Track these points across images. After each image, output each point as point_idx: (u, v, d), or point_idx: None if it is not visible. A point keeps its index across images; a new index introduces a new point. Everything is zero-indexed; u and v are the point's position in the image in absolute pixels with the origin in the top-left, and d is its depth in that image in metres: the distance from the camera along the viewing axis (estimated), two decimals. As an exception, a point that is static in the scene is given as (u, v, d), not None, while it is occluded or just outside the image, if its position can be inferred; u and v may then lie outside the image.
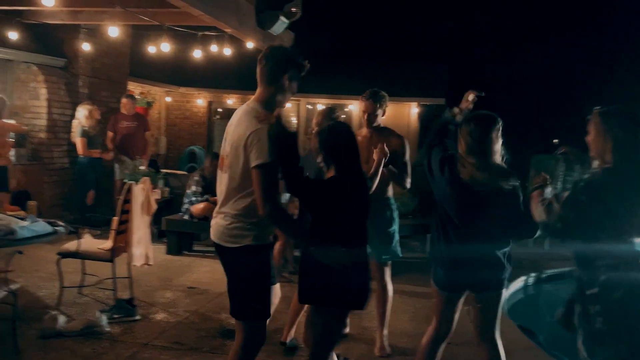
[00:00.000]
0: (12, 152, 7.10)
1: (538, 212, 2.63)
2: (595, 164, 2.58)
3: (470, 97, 3.24)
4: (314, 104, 12.67)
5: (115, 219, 4.85)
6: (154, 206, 5.24)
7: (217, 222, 2.67)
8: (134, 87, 10.71)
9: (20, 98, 7.78)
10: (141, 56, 9.39)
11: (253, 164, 2.48)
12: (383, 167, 3.88)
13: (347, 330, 4.45)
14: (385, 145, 3.84)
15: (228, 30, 5.31)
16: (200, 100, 13.00)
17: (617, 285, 2.43)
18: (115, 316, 4.43)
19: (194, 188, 6.83)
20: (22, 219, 3.86)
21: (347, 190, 2.74)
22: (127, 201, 4.77)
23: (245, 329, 2.68)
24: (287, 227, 2.73)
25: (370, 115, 4.07)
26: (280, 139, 2.52)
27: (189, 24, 6.41)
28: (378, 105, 4.06)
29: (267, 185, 2.49)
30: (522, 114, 10.29)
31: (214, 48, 7.74)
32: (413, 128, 12.37)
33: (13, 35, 7.01)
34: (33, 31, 7.61)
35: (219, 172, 2.75)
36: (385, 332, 4.24)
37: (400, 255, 4.26)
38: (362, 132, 4.19)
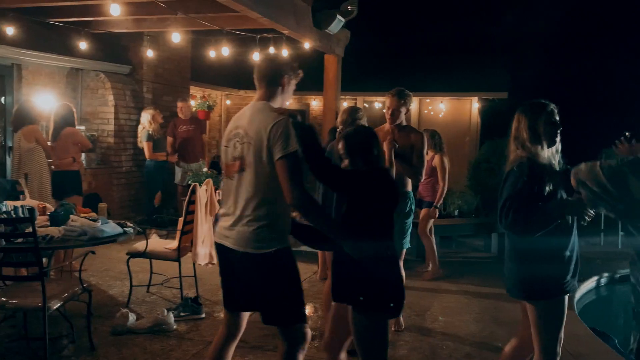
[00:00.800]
0: (82, 157, 7.45)
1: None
2: None
3: None
4: (370, 102, 12.60)
5: (181, 220, 4.99)
6: (217, 206, 5.36)
7: (239, 230, 2.56)
8: (195, 91, 10.98)
9: (89, 105, 8.15)
10: (201, 60, 9.63)
11: (280, 154, 2.44)
12: (397, 159, 3.97)
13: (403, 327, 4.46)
14: (394, 138, 3.97)
15: (285, 32, 5.36)
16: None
17: None
18: (182, 314, 4.55)
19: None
20: (93, 220, 4.02)
21: (381, 181, 2.72)
22: (192, 202, 4.90)
23: (288, 334, 2.63)
24: (317, 215, 2.58)
25: (394, 112, 4.11)
26: (303, 130, 2.53)
27: (247, 27, 6.51)
28: (402, 102, 4.11)
29: (295, 173, 2.46)
30: (592, 109, 9.81)
31: (271, 50, 7.84)
32: (474, 123, 12.07)
33: (82, 45, 7.34)
34: (100, 40, 7.94)
35: (226, 178, 2.69)
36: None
37: (409, 246, 4.34)
38: (383, 128, 4.24)
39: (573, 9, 10.27)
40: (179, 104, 8.19)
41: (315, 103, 12.62)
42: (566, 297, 2.72)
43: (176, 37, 6.58)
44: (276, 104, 2.67)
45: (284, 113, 2.54)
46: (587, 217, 2.56)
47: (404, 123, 4.23)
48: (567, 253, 2.67)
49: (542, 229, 2.58)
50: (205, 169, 8.04)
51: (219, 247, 2.69)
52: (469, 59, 11.40)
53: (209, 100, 11.50)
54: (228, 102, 13.31)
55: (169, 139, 8.09)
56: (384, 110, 4.24)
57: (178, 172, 8.12)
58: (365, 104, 12.58)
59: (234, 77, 12.05)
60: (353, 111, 4.02)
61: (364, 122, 3.94)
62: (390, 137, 3.93)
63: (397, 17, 11.84)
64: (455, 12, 11.46)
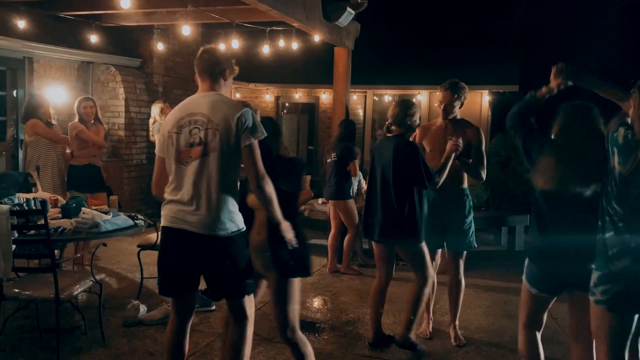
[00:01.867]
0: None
1: None
2: None
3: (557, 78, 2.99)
4: (380, 95, 12.55)
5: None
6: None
7: (204, 214, 2.62)
8: (205, 84, 11.00)
9: (100, 98, 8.19)
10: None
11: (248, 142, 2.61)
12: (457, 158, 3.86)
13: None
14: (459, 138, 3.84)
15: (295, 25, 5.34)
16: (268, 96, 13.19)
17: None
18: (192, 306, 4.57)
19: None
20: (105, 212, 4.05)
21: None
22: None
23: (243, 305, 2.78)
24: (273, 201, 2.69)
25: (447, 106, 3.96)
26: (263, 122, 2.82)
27: (257, 20, 6.50)
28: (456, 97, 3.94)
29: (260, 160, 2.64)
30: (604, 102, 9.72)
31: (281, 43, 7.82)
32: (485, 116, 12.00)
33: (93, 38, 7.37)
34: (110, 34, 7.97)
35: (177, 165, 2.70)
36: (457, 323, 4.21)
37: (475, 246, 4.19)
38: (436, 123, 4.13)
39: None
40: None
41: (325, 96, 12.58)
42: None
43: (186, 30, 6.59)
44: (225, 95, 2.82)
45: (245, 104, 2.74)
46: None
47: (458, 116, 4.05)
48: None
49: None
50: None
51: (174, 232, 2.70)
52: (480, 51, 11.32)
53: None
54: (238, 95, 13.32)
55: None
56: (436, 105, 4.12)
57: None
58: (375, 97, 12.54)
59: (244, 70, 11.94)
60: (407, 106, 3.81)
61: (416, 117, 3.77)
62: (455, 140, 3.78)
63: (408, 9, 11.76)
64: (465, 5, 11.38)
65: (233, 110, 2.64)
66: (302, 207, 6.80)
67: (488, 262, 6.57)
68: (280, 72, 12.01)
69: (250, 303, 2.82)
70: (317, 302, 5.04)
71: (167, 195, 2.75)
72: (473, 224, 4.15)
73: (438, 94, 4.05)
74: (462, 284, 4.17)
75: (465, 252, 4.17)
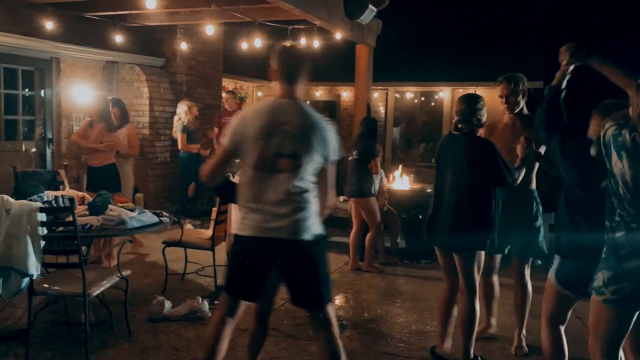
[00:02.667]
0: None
1: None
2: None
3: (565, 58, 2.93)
4: (402, 93, 12.49)
5: (215, 210, 5.07)
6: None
7: (294, 220, 2.63)
8: (227, 83, 11.09)
9: (125, 97, 8.29)
10: (233, 52, 9.71)
11: (334, 157, 2.73)
12: (536, 159, 3.63)
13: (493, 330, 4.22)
14: (526, 137, 3.58)
15: (317, 23, 5.35)
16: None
17: None
18: (216, 302, 4.62)
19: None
20: (131, 210, 4.12)
21: None
22: (225, 193, 4.95)
23: (328, 312, 2.75)
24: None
25: (509, 97, 3.75)
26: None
27: (279, 19, 6.53)
28: (513, 86, 3.72)
29: (334, 178, 2.81)
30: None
31: (302, 41, 7.84)
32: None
33: (118, 38, 7.49)
34: (135, 34, 8.08)
35: (261, 172, 2.63)
36: (524, 332, 3.99)
37: (546, 251, 3.83)
38: (503, 120, 3.93)
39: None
40: (225, 96, 8.29)
41: (346, 94, 12.58)
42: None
43: (209, 29, 6.64)
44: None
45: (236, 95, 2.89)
46: None
47: (525, 111, 3.81)
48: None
49: None
50: (237, 160, 8.14)
51: (259, 241, 2.66)
52: (503, 47, 11.18)
53: (240, 92, 11.60)
54: (259, 93, 13.39)
55: (215, 130, 8.17)
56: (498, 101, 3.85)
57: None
58: (396, 94, 12.48)
59: (266, 68, 12.00)
60: (472, 101, 3.51)
61: (484, 112, 3.49)
62: (523, 141, 3.52)
63: (429, 5, 11.67)
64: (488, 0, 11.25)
65: (323, 124, 2.69)
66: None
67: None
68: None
69: (332, 312, 2.81)
70: (338, 300, 5.05)
71: (246, 203, 2.70)
72: (542, 228, 3.84)
73: (498, 89, 3.83)
74: (528, 289, 3.93)
75: (531, 258, 3.90)
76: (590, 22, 9.99)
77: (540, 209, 3.83)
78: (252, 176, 2.67)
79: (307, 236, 2.66)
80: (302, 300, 2.78)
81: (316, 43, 7.60)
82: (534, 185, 3.83)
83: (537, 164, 3.76)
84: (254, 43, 7.49)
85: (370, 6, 5.51)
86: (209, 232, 5.03)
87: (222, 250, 5.40)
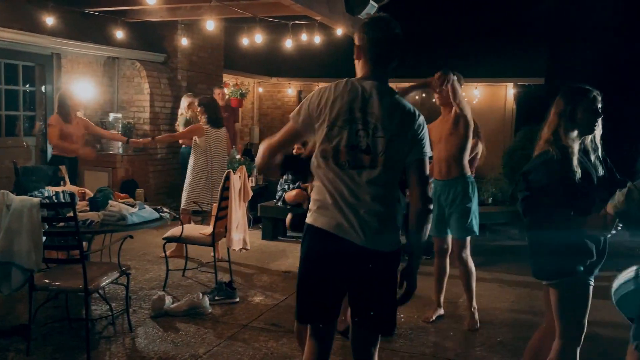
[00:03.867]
0: (119, 144, 7.62)
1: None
2: None
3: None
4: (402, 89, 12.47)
5: (215, 206, 5.07)
6: (250, 193, 5.42)
7: (370, 225, 2.22)
8: (228, 79, 11.07)
9: (126, 93, 8.31)
10: (234, 48, 9.69)
11: (420, 155, 2.26)
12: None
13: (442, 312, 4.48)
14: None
15: (318, 18, 5.34)
16: (290, 90, 13.22)
17: None
18: (217, 298, 4.63)
19: (285, 176, 6.97)
20: (131, 205, 4.12)
21: None
22: (226, 188, 4.96)
23: (376, 342, 2.42)
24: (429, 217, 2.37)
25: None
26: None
27: (280, 14, 6.51)
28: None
29: (428, 179, 2.33)
30: (631, 99, 9.46)
31: (303, 37, 7.83)
32: (509, 109, 11.85)
33: (119, 34, 7.47)
34: (135, 29, 8.07)
35: (334, 165, 2.24)
36: (474, 305, 4.31)
37: (477, 233, 4.26)
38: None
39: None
40: (216, 91, 8.27)
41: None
42: (589, 283, 2.71)
43: (210, 25, 6.63)
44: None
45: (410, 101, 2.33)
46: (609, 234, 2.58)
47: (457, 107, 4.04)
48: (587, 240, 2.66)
49: (543, 229, 2.68)
50: (238, 156, 8.15)
51: (335, 238, 2.23)
52: (504, 43, 11.16)
53: (241, 87, 11.59)
54: (260, 89, 13.38)
55: None
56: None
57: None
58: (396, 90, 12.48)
59: (266, 64, 12.08)
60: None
61: None
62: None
63: (430, 1, 11.64)
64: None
65: (411, 117, 2.24)
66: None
67: (512, 256, 6.50)
68: (302, 66, 12.03)
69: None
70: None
71: (318, 196, 2.30)
72: (474, 212, 4.19)
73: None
74: (468, 265, 4.24)
75: (468, 238, 4.23)
76: (594, 18, 9.96)
77: (475, 192, 4.22)
78: (324, 167, 2.27)
79: (385, 247, 2.26)
80: (369, 320, 2.34)
81: (317, 39, 7.60)
82: (466, 172, 4.18)
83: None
84: (255, 39, 7.48)
85: (371, 2, 5.50)
86: (209, 229, 5.03)
87: (222, 246, 5.41)
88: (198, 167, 5.92)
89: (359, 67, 2.31)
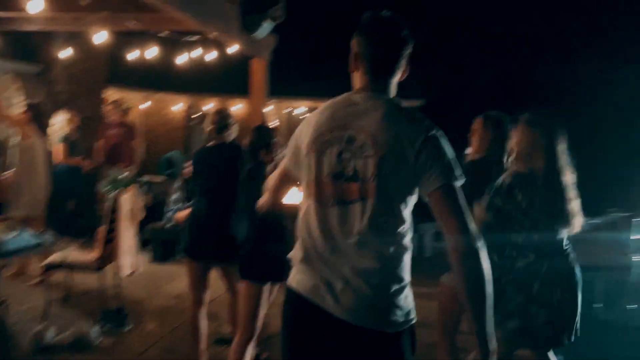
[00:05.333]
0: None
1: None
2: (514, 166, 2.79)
3: None
4: (294, 108, 12.65)
5: (103, 229, 4.77)
6: (140, 214, 5.18)
7: (357, 291, 1.65)
8: (112, 94, 10.55)
9: (-4, 106, 7.60)
10: (119, 62, 9.26)
11: (438, 183, 1.63)
12: None
13: None
14: None
15: (214, 35, 5.27)
16: (178, 105, 12.88)
17: (535, 272, 2.67)
18: (106, 327, 4.35)
19: (175, 195, 6.76)
20: (9, 230, 3.76)
21: None
22: (114, 210, 4.69)
23: None
24: (486, 278, 1.62)
25: None
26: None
27: (174, 29, 6.34)
28: None
29: (466, 210, 1.63)
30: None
31: (194, 53, 7.68)
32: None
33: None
34: (9, 38, 7.44)
35: (317, 203, 1.74)
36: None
37: None
38: None
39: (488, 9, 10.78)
40: (108, 107, 7.83)
41: (238, 107, 12.49)
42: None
43: (98, 37, 6.27)
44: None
45: (433, 124, 1.72)
46: None
47: None
48: None
49: None
50: (126, 174, 7.72)
51: (311, 308, 1.70)
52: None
53: (125, 103, 11.09)
54: (146, 104, 12.88)
55: (99, 144, 7.69)
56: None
57: (104, 179, 7.74)
58: (287, 110, 12.63)
59: (153, 79, 11.69)
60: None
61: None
62: None
63: (321, 22, 11.98)
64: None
65: (415, 128, 1.67)
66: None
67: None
68: (191, 81, 11.79)
69: None
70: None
71: (299, 248, 1.80)
72: None
73: None
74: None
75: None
76: (467, 41, 10.78)
77: None
78: (305, 207, 1.79)
79: (379, 325, 1.65)
80: None
81: (209, 55, 7.49)
82: None
83: None
84: (142, 53, 7.21)
85: (268, 21, 5.54)
86: (96, 252, 4.72)
87: (109, 271, 5.09)
88: None
89: (356, 80, 1.82)
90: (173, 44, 7.52)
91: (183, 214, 6.58)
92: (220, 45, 7.09)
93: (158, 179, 9.49)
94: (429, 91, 11.25)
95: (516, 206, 2.67)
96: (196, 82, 11.77)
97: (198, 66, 8.95)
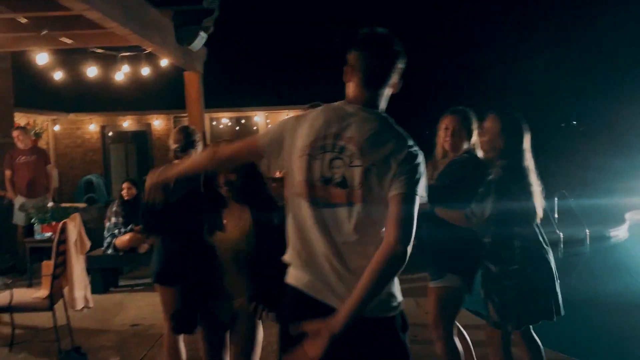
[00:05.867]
0: None
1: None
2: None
3: None
4: (217, 119, 12.41)
5: (48, 263, 4.41)
6: (88, 244, 4.84)
7: (344, 278, 1.84)
8: (19, 118, 9.79)
9: None
10: (24, 83, 8.61)
11: (401, 190, 1.80)
12: None
13: None
14: None
15: (150, 49, 5.04)
16: (92, 126, 12.22)
17: (532, 261, 2.87)
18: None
19: (114, 219, 6.38)
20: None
21: None
22: (62, 242, 4.36)
23: None
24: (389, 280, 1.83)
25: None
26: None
27: (108, 45, 5.99)
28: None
29: (414, 217, 1.80)
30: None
31: (111, 70, 7.28)
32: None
33: None
34: None
35: (311, 204, 1.88)
36: None
37: None
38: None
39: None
40: (15, 133, 7.22)
41: (158, 122, 12.06)
42: None
43: (39, 57, 5.69)
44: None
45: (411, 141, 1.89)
46: None
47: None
48: None
49: None
50: (50, 204, 7.20)
51: (305, 301, 1.88)
52: (312, 73, 11.84)
53: (35, 127, 10.36)
54: (56, 127, 12.10)
55: (7, 173, 7.10)
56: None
57: (18, 210, 7.15)
58: (213, 122, 12.38)
59: (62, 99, 11.02)
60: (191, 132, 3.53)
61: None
62: None
63: (244, 34, 11.90)
64: (295, 28, 11.83)
65: (400, 145, 1.85)
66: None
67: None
68: (105, 99, 11.26)
69: None
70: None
71: (291, 245, 1.95)
72: None
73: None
74: None
75: None
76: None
77: None
78: (296, 206, 1.92)
79: (373, 312, 1.82)
80: None
81: (120, 72, 7.10)
82: None
83: None
84: (49, 72, 6.70)
85: (202, 33, 5.38)
86: (44, 290, 4.35)
87: (59, 309, 4.71)
88: None
89: (350, 90, 1.95)
90: (81, 61, 7.08)
91: (124, 238, 6.28)
92: (132, 60, 6.83)
93: (78, 205, 8.96)
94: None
95: (512, 198, 2.80)
96: (109, 100, 11.25)
97: (109, 84, 8.56)
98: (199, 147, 3.62)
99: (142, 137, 12.31)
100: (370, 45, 1.92)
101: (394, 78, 1.93)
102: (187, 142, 3.51)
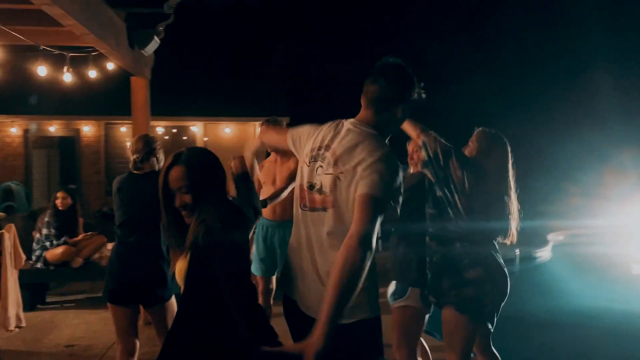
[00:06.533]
0: None
1: None
2: None
3: None
4: (152, 127, 11.95)
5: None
6: (23, 257, 4.45)
7: (315, 288, 1.94)
8: None
9: None
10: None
11: (366, 190, 1.86)
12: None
13: None
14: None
15: (104, 51, 4.73)
16: (13, 129, 11.39)
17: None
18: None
19: (45, 231, 5.91)
20: None
21: None
22: (-4, 255, 3.98)
23: None
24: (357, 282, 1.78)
25: None
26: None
27: (58, 44, 5.57)
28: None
29: (374, 220, 1.82)
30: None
31: (40, 71, 6.76)
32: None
33: None
34: None
35: (298, 207, 2.09)
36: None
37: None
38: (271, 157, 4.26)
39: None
40: None
41: (87, 128, 11.45)
42: None
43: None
44: (385, 137, 2.08)
45: (391, 153, 1.97)
46: None
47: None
48: None
49: None
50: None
51: (290, 303, 2.10)
52: (250, 83, 11.71)
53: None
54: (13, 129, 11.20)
55: None
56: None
57: None
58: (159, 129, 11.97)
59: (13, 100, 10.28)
60: (151, 141, 3.43)
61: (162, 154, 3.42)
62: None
63: (185, 42, 11.62)
64: (234, 39, 11.71)
65: (370, 152, 1.93)
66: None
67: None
68: (29, 102, 10.54)
69: None
70: None
71: (291, 249, 2.14)
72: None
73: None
74: None
75: None
76: (327, 60, 11.23)
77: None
78: (294, 210, 2.14)
79: (361, 314, 1.92)
80: None
81: (43, 70, 6.62)
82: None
83: None
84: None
85: (155, 37, 5.16)
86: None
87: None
88: None
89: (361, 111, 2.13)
90: (22, 59, 6.59)
91: (57, 251, 5.82)
92: (77, 61, 6.43)
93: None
94: (293, 107, 11.48)
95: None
96: (36, 102, 10.56)
97: (35, 85, 8.03)
98: (160, 155, 3.44)
99: (69, 143, 11.63)
100: (377, 73, 2.06)
101: (395, 105, 2.05)
102: (147, 151, 3.34)
